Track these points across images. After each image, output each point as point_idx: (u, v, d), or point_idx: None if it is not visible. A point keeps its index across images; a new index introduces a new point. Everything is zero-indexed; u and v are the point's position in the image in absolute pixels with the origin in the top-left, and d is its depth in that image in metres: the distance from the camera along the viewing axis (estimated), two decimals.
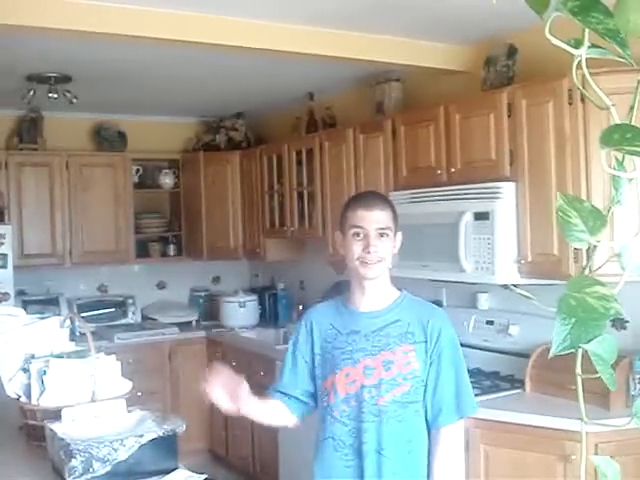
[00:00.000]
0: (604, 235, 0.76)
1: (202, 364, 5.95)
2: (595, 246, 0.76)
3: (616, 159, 0.73)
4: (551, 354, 0.75)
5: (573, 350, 0.74)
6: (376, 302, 2.37)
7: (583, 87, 0.81)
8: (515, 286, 3.81)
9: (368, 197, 2.49)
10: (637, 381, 3.17)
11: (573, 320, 0.72)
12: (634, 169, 0.71)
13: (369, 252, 2.29)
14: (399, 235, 2.39)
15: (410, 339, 2.28)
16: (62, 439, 2.17)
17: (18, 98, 4.85)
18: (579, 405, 0.81)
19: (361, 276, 2.34)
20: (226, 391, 2.23)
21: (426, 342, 2.28)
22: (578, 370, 0.76)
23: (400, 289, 2.43)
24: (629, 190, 0.74)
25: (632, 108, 0.71)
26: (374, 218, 2.31)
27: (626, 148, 0.69)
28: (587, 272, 0.77)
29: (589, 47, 0.73)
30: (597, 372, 0.78)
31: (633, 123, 0.70)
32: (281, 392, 2.52)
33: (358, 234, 2.31)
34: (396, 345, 2.28)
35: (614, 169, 0.73)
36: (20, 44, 3.88)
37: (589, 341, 0.73)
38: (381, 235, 2.31)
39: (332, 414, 2.33)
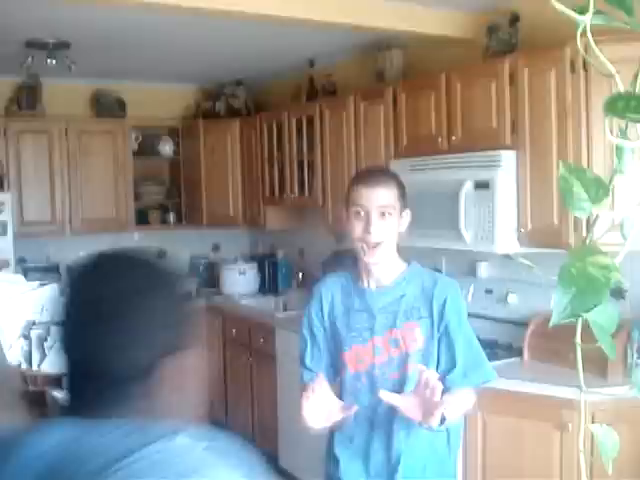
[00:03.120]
0: (605, 204, 0.76)
1: (201, 331, 5.97)
2: (597, 216, 0.76)
3: (619, 128, 0.72)
4: (551, 323, 0.75)
5: (573, 319, 0.74)
6: (383, 278, 2.35)
7: (586, 55, 0.81)
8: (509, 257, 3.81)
9: (372, 174, 2.40)
10: (635, 350, 3.19)
11: (574, 289, 0.72)
12: (638, 138, 0.71)
13: (369, 232, 2.23)
14: (407, 213, 2.32)
15: (416, 315, 2.28)
16: (63, 405, 2.19)
17: (16, 64, 4.81)
18: (577, 374, 0.81)
19: (364, 260, 2.31)
20: (322, 412, 2.10)
21: (431, 317, 2.27)
22: (578, 339, 0.76)
23: (408, 261, 2.40)
24: (632, 159, 0.74)
25: (637, 76, 0.70)
26: (376, 196, 2.24)
27: (630, 116, 0.69)
28: (588, 242, 0.77)
29: (594, 13, 0.72)
30: (596, 341, 0.78)
31: (638, 91, 0.69)
32: (312, 370, 2.42)
33: (359, 213, 2.25)
34: (402, 322, 2.27)
35: (617, 137, 0.73)
36: (18, 10, 3.85)
37: (589, 310, 0.73)
38: (382, 214, 2.24)
39: (345, 387, 2.34)
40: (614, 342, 0.79)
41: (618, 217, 0.78)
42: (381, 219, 2.23)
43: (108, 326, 1.06)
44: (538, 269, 1.35)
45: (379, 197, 2.24)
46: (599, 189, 0.74)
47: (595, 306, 0.72)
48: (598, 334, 0.75)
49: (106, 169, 5.97)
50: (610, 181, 0.75)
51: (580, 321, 0.75)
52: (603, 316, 0.74)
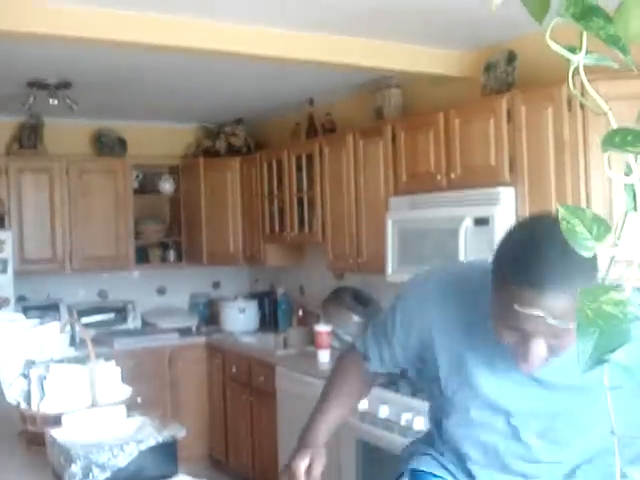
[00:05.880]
0: (610, 241, 0.76)
1: (202, 369, 5.96)
2: (613, 257, 0.76)
3: (627, 165, 0.73)
4: (582, 372, 0.74)
5: (602, 364, 0.72)
6: None
7: (582, 93, 0.82)
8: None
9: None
10: None
11: (596, 332, 0.71)
12: None
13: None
14: None
15: None
16: (62, 445, 2.17)
17: (18, 104, 4.86)
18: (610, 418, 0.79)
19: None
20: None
21: None
22: (606, 382, 0.74)
23: None
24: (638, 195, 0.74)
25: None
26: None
27: (629, 149, 0.70)
28: (606, 282, 0.77)
29: (586, 54, 0.73)
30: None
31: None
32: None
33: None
34: None
35: (625, 175, 0.74)
36: (20, 50, 3.89)
37: (615, 350, 0.71)
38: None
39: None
40: None
41: (626, 254, 0.78)
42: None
43: None
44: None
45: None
46: (600, 226, 0.75)
47: (621, 345, 0.71)
48: (625, 375, 0.73)
49: (107, 207, 6.00)
50: (624, 219, 0.75)
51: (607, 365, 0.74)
52: (629, 357, 0.73)
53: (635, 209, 0.75)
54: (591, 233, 0.75)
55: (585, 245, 0.76)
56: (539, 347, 1.44)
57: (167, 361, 5.85)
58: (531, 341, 1.43)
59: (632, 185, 0.74)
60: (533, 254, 1.39)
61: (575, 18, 0.71)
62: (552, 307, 1.35)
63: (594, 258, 1.21)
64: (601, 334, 0.71)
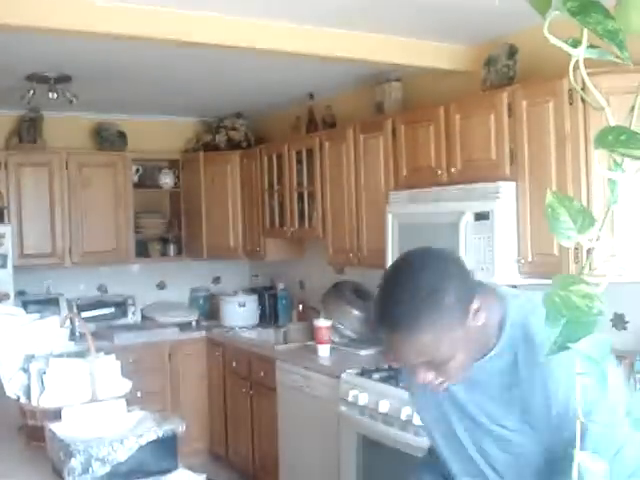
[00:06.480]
0: (605, 235, 0.76)
1: (202, 364, 5.96)
2: (593, 248, 0.76)
3: (614, 161, 0.73)
4: (545, 354, 0.76)
5: (564, 350, 0.74)
6: None
7: (582, 87, 0.81)
8: (514, 287, 3.81)
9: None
10: (638, 381, 3.17)
11: (563, 320, 0.73)
12: (637, 171, 0.72)
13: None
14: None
15: None
16: (62, 439, 2.17)
17: (18, 98, 4.84)
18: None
19: None
20: None
21: None
22: (578, 369, 0.76)
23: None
24: (625, 192, 0.75)
25: (633, 109, 0.71)
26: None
27: (619, 150, 0.70)
28: (586, 271, 0.77)
29: (587, 47, 0.72)
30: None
31: (634, 124, 0.70)
32: None
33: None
34: None
35: (611, 170, 0.74)
36: (20, 44, 3.88)
37: (577, 340, 0.73)
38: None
39: None
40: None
41: (616, 247, 0.79)
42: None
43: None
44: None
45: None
46: (585, 219, 0.76)
47: (584, 336, 0.73)
48: (589, 366, 0.76)
49: (106, 201, 5.99)
50: (606, 213, 0.76)
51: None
52: (595, 347, 0.75)
53: (615, 202, 0.76)
54: (575, 224, 0.76)
55: (566, 235, 0.77)
56: (422, 375, 1.52)
57: (167, 355, 5.85)
58: (414, 371, 1.52)
59: (615, 181, 0.74)
60: (385, 297, 1.50)
61: (572, 13, 0.70)
62: (407, 345, 1.45)
63: (442, 293, 1.42)
64: (568, 323, 0.73)
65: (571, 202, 0.77)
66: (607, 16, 0.70)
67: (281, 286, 6.21)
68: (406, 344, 1.45)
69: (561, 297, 0.73)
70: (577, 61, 0.71)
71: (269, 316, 6.21)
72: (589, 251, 0.78)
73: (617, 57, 0.70)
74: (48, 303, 5.63)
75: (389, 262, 4.11)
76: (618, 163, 0.71)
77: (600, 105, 0.72)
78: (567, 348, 0.73)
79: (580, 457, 0.75)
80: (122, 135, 6.21)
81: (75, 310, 5.67)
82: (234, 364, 5.55)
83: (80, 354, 2.77)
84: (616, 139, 0.69)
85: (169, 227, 6.48)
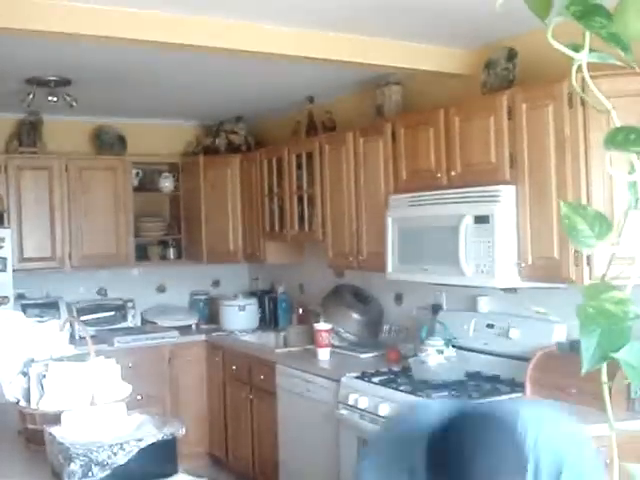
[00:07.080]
0: (610, 239, 0.76)
1: (202, 368, 5.95)
2: (613, 254, 0.76)
3: (631, 164, 0.72)
4: (584, 370, 0.74)
5: (605, 362, 0.72)
6: None
7: (583, 91, 0.81)
8: (515, 290, 3.81)
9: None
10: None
11: (598, 330, 0.71)
12: None
13: None
14: None
15: None
16: (61, 443, 2.17)
17: (18, 101, 4.84)
18: (606, 412, 0.79)
19: None
20: None
21: None
22: (604, 378, 0.74)
23: None
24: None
25: None
26: None
27: (630, 149, 0.69)
28: (606, 278, 0.76)
29: (589, 51, 0.72)
30: (612, 377, 0.77)
31: None
32: None
33: None
34: None
35: (629, 174, 0.73)
36: (20, 47, 3.89)
37: (618, 350, 0.71)
38: None
39: None
40: (617, 375, 0.78)
41: (627, 251, 0.78)
42: None
43: None
44: (550, 313, 1.34)
45: None
46: (602, 224, 0.75)
47: (623, 345, 0.71)
48: (629, 373, 0.73)
49: (106, 205, 5.99)
50: (625, 217, 0.75)
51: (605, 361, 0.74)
52: (632, 354, 0.73)
53: (637, 207, 0.75)
54: (593, 231, 0.75)
55: (587, 242, 0.76)
56: None
57: (167, 359, 5.84)
58: None
59: (635, 183, 0.73)
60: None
61: (576, 17, 0.70)
62: None
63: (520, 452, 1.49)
64: (603, 333, 0.71)
65: (585, 209, 0.76)
66: (610, 19, 0.69)
67: (281, 290, 6.21)
68: None
69: (594, 307, 0.71)
70: (579, 65, 0.71)
71: (269, 320, 6.21)
72: (611, 257, 0.77)
73: (620, 60, 0.70)
74: (48, 307, 5.63)
75: (389, 266, 4.10)
76: (633, 166, 0.71)
77: (604, 107, 0.71)
78: (609, 359, 0.71)
79: None
80: (122, 139, 6.21)
81: (75, 314, 5.67)
82: (234, 367, 5.54)
83: (80, 358, 2.77)
84: (625, 138, 0.69)
85: (169, 230, 6.48)
